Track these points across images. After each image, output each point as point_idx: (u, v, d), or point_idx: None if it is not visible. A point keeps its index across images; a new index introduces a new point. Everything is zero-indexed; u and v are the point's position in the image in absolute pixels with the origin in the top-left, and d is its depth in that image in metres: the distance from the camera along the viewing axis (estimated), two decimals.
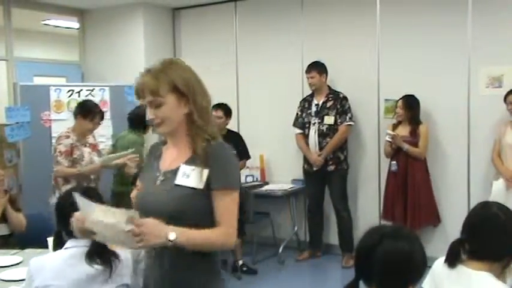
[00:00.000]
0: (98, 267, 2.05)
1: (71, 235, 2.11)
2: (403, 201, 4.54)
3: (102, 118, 4.12)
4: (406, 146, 4.51)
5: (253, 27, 5.62)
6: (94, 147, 4.17)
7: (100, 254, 2.06)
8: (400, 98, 4.60)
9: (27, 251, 2.99)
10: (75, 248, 2.09)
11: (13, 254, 2.97)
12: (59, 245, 2.19)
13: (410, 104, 4.57)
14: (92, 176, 4.07)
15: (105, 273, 2.06)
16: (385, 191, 4.74)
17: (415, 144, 4.54)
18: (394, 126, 4.68)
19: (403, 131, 4.60)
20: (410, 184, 4.53)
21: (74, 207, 2.08)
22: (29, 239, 3.15)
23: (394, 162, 4.59)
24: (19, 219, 3.25)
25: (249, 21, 5.64)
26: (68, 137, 4.00)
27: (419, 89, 4.70)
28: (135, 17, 5.80)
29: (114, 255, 2.10)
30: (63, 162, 3.94)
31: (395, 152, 4.61)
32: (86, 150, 4.06)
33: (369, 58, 4.95)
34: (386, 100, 4.89)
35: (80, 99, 5.19)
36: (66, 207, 2.10)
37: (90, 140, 4.17)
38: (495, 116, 4.39)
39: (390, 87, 4.86)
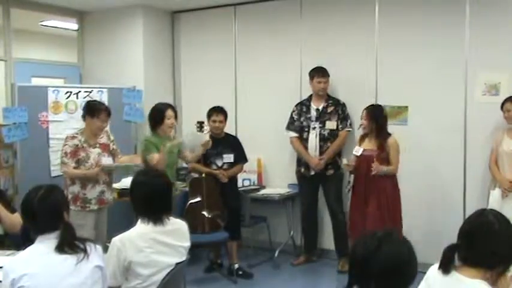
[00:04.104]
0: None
1: (38, 232, 2.17)
2: (366, 219, 4.26)
3: (108, 115, 4.15)
4: (385, 169, 4.21)
5: (252, 31, 5.63)
6: (105, 147, 4.17)
7: (70, 244, 2.14)
8: (365, 109, 4.39)
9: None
10: (45, 241, 2.14)
11: (8, 254, 2.96)
12: (27, 242, 2.23)
13: (375, 114, 4.31)
14: (102, 180, 4.09)
15: (78, 256, 2.13)
16: (349, 210, 4.58)
17: (384, 159, 4.26)
18: (361, 139, 4.46)
19: (370, 144, 4.35)
20: (376, 202, 4.24)
21: (40, 205, 2.12)
22: (24, 239, 3.15)
23: (348, 186, 4.46)
24: (11, 219, 3.24)
25: (248, 26, 5.66)
26: (74, 138, 4.05)
27: (416, 96, 4.74)
28: (134, 19, 5.81)
29: (86, 242, 2.19)
30: (69, 162, 4.00)
31: (355, 169, 4.42)
32: (95, 151, 4.09)
33: (366, 64, 4.96)
34: (384, 106, 4.89)
35: (77, 101, 5.22)
36: (33, 204, 2.16)
37: (103, 140, 4.19)
38: (492, 124, 4.40)
39: (388, 93, 4.87)
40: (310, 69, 5.00)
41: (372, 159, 4.24)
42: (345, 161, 4.53)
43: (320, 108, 4.93)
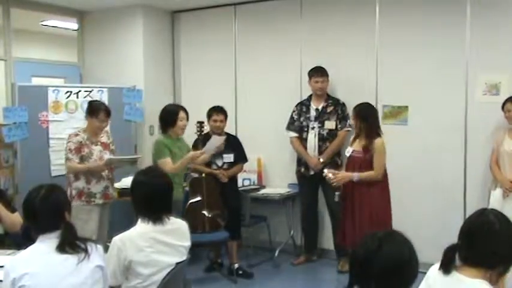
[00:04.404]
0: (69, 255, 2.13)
1: (39, 231, 2.16)
2: (354, 226, 4.05)
3: (108, 115, 4.23)
4: (355, 177, 3.96)
5: (253, 31, 5.63)
6: (106, 145, 4.28)
7: (71, 244, 2.13)
8: (353, 108, 4.21)
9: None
10: (46, 240, 2.14)
11: (9, 254, 2.96)
12: (29, 241, 2.23)
13: (362, 113, 4.06)
14: (104, 174, 4.18)
15: (79, 256, 2.13)
16: (341, 217, 4.33)
17: (364, 161, 3.99)
18: (354, 139, 4.25)
19: (359, 145, 4.10)
20: (362, 209, 4.00)
21: (42, 204, 2.12)
22: (25, 239, 3.15)
23: (338, 192, 4.11)
24: (11, 219, 3.26)
25: (248, 25, 5.66)
26: (77, 135, 4.18)
27: (416, 96, 4.74)
28: (134, 19, 5.81)
29: (87, 241, 2.19)
30: (73, 158, 4.10)
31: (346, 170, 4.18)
32: (97, 148, 4.19)
33: (367, 64, 4.96)
34: (384, 106, 4.90)
35: (78, 101, 5.23)
36: (34, 204, 2.16)
37: (104, 139, 4.30)
38: (492, 124, 4.40)
39: (388, 93, 4.88)
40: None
41: (358, 161, 3.99)
42: (325, 171, 4.16)
43: (319, 108, 4.94)
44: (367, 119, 4.05)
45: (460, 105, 4.59)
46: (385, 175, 4.07)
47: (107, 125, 4.29)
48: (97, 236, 4.11)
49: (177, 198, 3.95)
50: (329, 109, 4.91)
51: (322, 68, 4.94)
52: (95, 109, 4.18)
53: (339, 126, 4.89)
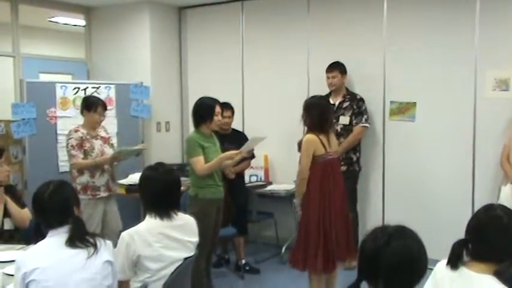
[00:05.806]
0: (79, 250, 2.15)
1: (48, 226, 2.19)
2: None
3: (105, 108, 4.27)
4: (296, 201, 3.73)
5: (260, 27, 5.62)
6: (106, 140, 4.32)
7: (80, 238, 2.16)
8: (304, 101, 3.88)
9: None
10: (56, 235, 2.17)
11: (18, 249, 2.99)
12: (39, 236, 2.26)
13: (306, 108, 3.68)
14: (106, 167, 4.21)
15: (88, 250, 2.15)
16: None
17: None
18: None
19: None
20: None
21: (50, 200, 2.14)
22: (36, 234, 3.18)
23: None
24: (21, 214, 3.29)
25: (256, 21, 5.65)
26: (77, 131, 4.17)
27: (424, 92, 4.71)
28: (141, 15, 5.82)
29: (96, 237, 2.22)
30: (77, 154, 4.10)
31: None
32: (97, 142, 4.22)
33: (375, 60, 4.94)
34: (391, 102, 4.88)
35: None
36: (43, 199, 2.19)
37: (102, 133, 4.33)
38: (501, 119, 4.37)
39: (396, 89, 4.85)
40: (319, 65, 4.98)
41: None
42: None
43: (336, 103, 4.87)
44: (307, 113, 3.68)
45: (469, 101, 4.55)
46: (313, 178, 3.57)
47: (104, 118, 4.30)
48: (110, 228, 4.18)
49: (217, 196, 3.97)
50: (345, 104, 4.83)
51: (334, 63, 4.88)
52: (93, 103, 4.20)
53: (354, 121, 4.79)
